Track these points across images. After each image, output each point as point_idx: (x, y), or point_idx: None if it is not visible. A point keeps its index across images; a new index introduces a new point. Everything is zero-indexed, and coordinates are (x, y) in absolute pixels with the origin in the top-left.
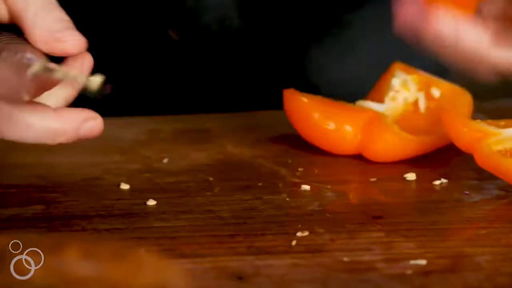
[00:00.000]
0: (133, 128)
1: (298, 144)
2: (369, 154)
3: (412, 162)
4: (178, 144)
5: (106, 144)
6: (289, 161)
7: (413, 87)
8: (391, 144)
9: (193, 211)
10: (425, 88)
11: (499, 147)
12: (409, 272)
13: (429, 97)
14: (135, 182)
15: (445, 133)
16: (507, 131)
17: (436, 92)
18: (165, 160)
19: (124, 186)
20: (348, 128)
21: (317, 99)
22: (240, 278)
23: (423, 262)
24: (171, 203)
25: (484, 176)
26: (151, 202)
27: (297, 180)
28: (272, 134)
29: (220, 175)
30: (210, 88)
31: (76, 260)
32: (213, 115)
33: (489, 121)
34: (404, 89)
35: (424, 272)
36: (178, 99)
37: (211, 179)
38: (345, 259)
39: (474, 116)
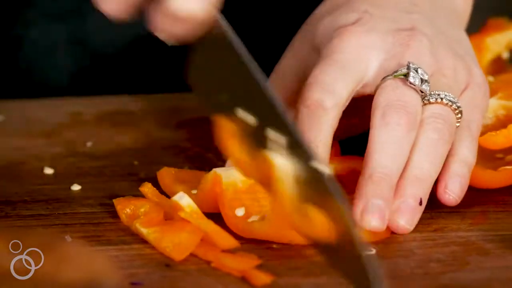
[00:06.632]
0: (56, 110)
1: None
2: None
3: None
4: (101, 127)
5: (29, 127)
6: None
7: None
8: None
9: (118, 196)
10: None
11: None
12: None
13: None
14: (59, 166)
15: None
16: None
17: None
18: (89, 144)
19: (48, 171)
20: None
21: None
22: (167, 265)
23: None
24: (95, 188)
25: None
26: (76, 187)
27: (223, 164)
28: (195, 116)
29: (145, 159)
30: (132, 69)
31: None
32: (136, 96)
33: None
34: None
35: None
36: (99, 79)
37: (135, 163)
38: (275, 245)
39: None
